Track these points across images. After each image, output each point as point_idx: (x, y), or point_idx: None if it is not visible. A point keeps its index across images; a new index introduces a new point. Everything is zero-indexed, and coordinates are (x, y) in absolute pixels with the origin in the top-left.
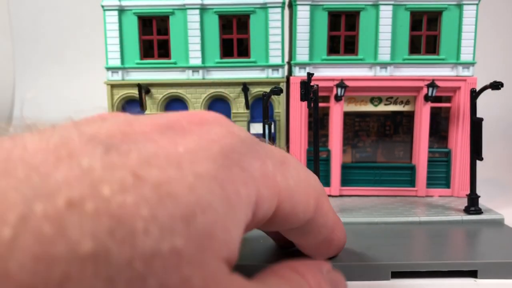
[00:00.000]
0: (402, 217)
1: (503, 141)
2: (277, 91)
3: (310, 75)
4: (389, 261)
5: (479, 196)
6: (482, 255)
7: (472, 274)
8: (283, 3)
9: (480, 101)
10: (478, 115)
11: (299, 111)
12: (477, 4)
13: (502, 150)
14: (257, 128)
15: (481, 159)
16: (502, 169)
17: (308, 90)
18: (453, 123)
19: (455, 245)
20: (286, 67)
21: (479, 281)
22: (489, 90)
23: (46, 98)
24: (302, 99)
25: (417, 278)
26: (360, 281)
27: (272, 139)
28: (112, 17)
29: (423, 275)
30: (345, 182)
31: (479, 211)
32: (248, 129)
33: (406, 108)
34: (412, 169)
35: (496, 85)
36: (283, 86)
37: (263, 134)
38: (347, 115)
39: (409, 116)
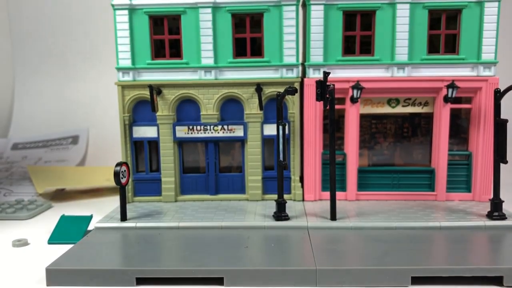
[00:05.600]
0: (421, 222)
1: None
2: (291, 91)
3: (326, 74)
4: (409, 266)
5: (503, 201)
6: (508, 260)
7: (497, 280)
8: (298, 1)
9: (503, 102)
10: (502, 116)
11: (314, 113)
12: (499, 1)
13: None
14: (270, 129)
15: (505, 162)
16: None
17: (325, 90)
18: (474, 125)
19: (478, 251)
20: (300, 68)
21: None
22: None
23: (54, 99)
24: (318, 99)
25: (439, 285)
26: (378, 287)
27: (287, 140)
28: (123, 17)
29: (444, 282)
30: (361, 186)
31: (503, 217)
32: (262, 130)
33: (424, 109)
34: (432, 172)
35: None
36: (297, 86)
37: (277, 136)
38: (363, 117)
39: (428, 118)
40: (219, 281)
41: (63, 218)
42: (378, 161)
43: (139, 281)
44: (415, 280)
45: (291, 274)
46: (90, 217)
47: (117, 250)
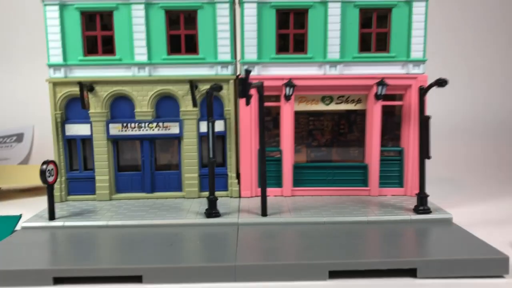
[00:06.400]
0: (350, 216)
1: (462, 140)
2: (216, 87)
3: (247, 71)
4: (327, 260)
5: (428, 195)
6: (423, 253)
7: (412, 272)
8: None
9: (446, 99)
10: (445, 113)
11: (249, 110)
12: (426, 1)
13: (460, 149)
14: (206, 126)
15: (429, 157)
16: (460, 168)
17: (246, 87)
18: (405, 122)
19: (398, 244)
20: (238, 65)
21: (418, 281)
22: (452, 88)
23: None
24: (240, 96)
25: (357, 278)
26: (296, 281)
27: (223, 137)
28: (53, 12)
29: (363, 275)
30: (297, 182)
31: (427, 211)
32: (198, 128)
33: (358, 106)
34: (365, 168)
35: (441, 82)
36: (231, 83)
37: (207, 133)
38: (300, 114)
39: (363, 115)
40: (138, 279)
41: None
42: (316, 157)
43: (57, 280)
44: (333, 274)
45: (210, 270)
46: (19, 217)
47: (38, 250)
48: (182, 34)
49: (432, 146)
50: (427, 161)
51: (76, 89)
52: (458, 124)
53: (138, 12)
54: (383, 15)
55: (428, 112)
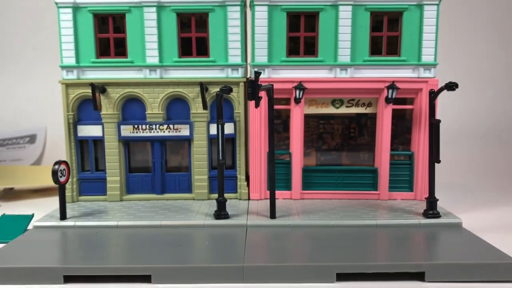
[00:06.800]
0: (358, 220)
1: (474, 145)
2: (226, 90)
3: (257, 74)
4: (334, 262)
5: (437, 200)
6: (432, 257)
7: (420, 276)
8: (242, 1)
9: (458, 104)
10: (457, 118)
11: (259, 113)
12: (437, 4)
13: (472, 154)
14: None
15: (438, 161)
16: (470, 173)
17: (255, 89)
18: (415, 126)
19: (406, 248)
20: (249, 68)
21: (426, 284)
22: (462, 93)
23: (3, 97)
24: (249, 98)
25: (364, 281)
26: (304, 283)
27: (232, 140)
28: (67, 15)
29: (370, 278)
30: (307, 185)
31: (437, 215)
32: (208, 130)
33: (368, 110)
34: (374, 172)
35: (451, 86)
36: (242, 86)
37: (217, 135)
38: (311, 118)
39: (374, 119)
40: (147, 278)
41: (3, 217)
42: (325, 161)
43: (67, 279)
44: (341, 276)
45: (218, 270)
46: (31, 216)
47: (49, 248)
48: (193, 36)
49: (443, 151)
50: (437, 166)
51: (88, 91)
52: (471, 129)
53: (150, 15)
54: (394, 19)
55: (439, 116)
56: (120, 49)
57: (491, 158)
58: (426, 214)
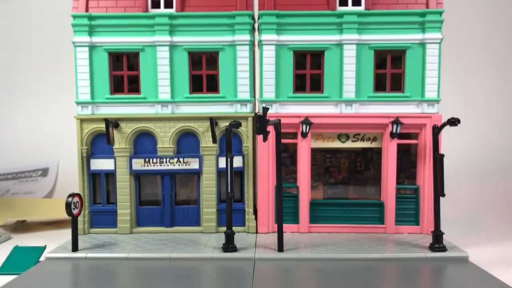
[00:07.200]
0: (365, 253)
1: (479, 178)
2: (235, 124)
3: (265, 109)
4: None
5: (443, 233)
6: None
7: None
8: (251, 41)
9: (463, 139)
10: (459, 151)
11: (267, 146)
12: (439, 43)
13: (478, 188)
14: (225, 162)
15: (443, 195)
16: (477, 207)
17: (264, 124)
18: (420, 160)
19: (412, 282)
20: (257, 104)
21: None
22: (467, 126)
23: (18, 131)
24: (257, 133)
25: None
26: None
27: (241, 173)
28: (83, 53)
29: None
30: (314, 219)
31: (443, 248)
32: (217, 163)
33: (373, 144)
34: (381, 206)
35: (453, 122)
36: (250, 121)
37: (226, 168)
38: (317, 152)
39: (379, 153)
40: None
41: (16, 249)
42: (332, 194)
43: None
44: None
45: None
46: (43, 248)
47: (61, 280)
48: (204, 74)
49: (450, 184)
50: (444, 199)
51: (102, 126)
52: (476, 162)
53: (163, 54)
54: (398, 56)
55: (444, 150)
56: (134, 85)
57: (497, 191)
58: (432, 248)
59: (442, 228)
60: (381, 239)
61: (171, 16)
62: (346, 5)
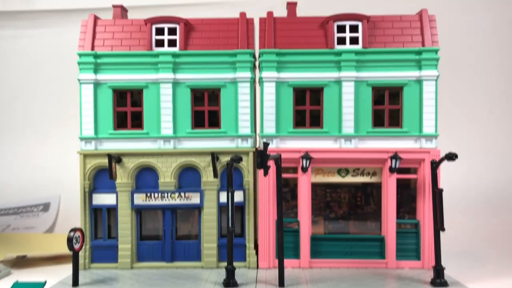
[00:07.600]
0: None
1: (479, 212)
2: (236, 159)
3: (266, 144)
4: None
5: (444, 268)
6: None
7: None
8: (252, 78)
9: (460, 171)
10: (458, 185)
11: (267, 181)
12: (435, 80)
13: (479, 223)
14: (226, 196)
15: (443, 229)
16: (478, 242)
17: (264, 159)
18: (420, 194)
19: None
20: (258, 139)
21: None
22: (465, 160)
23: (20, 165)
24: (258, 167)
25: None
26: None
27: (241, 208)
28: (88, 90)
29: None
30: (315, 253)
31: (444, 284)
32: (218, 198)
33: (373, 179)
34: (381, 240)
35: (451, 156)
36: (251, 155)
37: (227, 202)
38: (318, 186)
39: (379, 188)
40: None
41: (16, 285)
42: (333, 229)
43: None
44: None
45: None
46: (44, 283)
47: None
48: (206, 109)
49: (451, 218)
50: (445, 233)
51: (104, 161)
52: (476, 196)
53: (166, 90)
54: (395, 92)
55: (444, 184)
56: (137, 121)
57: (498, 224)
58: (433, 283)
59: (443, 262)
60: (382, 274)
61: (174, 55)
62: (344, 43)
